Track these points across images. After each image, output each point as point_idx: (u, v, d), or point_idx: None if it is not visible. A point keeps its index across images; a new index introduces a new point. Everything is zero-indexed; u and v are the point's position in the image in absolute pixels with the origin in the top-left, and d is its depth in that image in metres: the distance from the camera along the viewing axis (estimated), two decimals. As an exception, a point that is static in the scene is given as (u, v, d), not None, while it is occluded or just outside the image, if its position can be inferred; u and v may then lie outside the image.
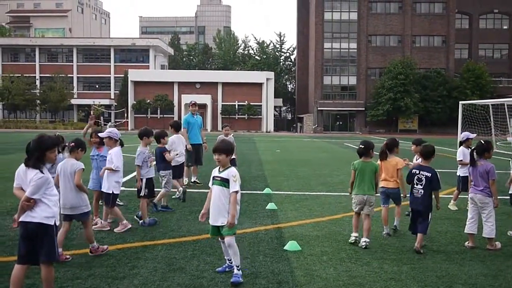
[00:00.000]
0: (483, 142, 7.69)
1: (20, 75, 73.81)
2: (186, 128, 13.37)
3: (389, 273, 6.24)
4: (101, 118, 72.10)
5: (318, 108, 73.13)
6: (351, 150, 30.63)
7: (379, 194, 8.40)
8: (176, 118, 70.52)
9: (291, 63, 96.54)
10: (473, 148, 7.88)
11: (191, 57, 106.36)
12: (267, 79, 73.72)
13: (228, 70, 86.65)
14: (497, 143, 28.69)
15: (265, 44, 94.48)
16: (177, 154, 10.88)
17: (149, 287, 5.61)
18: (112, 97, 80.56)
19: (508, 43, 78.70)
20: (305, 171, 18.01)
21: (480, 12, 78.07)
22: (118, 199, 10.54)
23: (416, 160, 9.40)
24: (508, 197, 9.45)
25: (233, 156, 13.47)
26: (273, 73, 77.79)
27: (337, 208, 10.63)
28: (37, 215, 4.89)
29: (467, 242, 7.63)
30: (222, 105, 72.84)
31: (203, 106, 66.12)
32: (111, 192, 8.07)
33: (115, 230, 8.13)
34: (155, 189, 9.22)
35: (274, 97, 76.13)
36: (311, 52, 79.17)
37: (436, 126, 69.31)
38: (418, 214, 7.48)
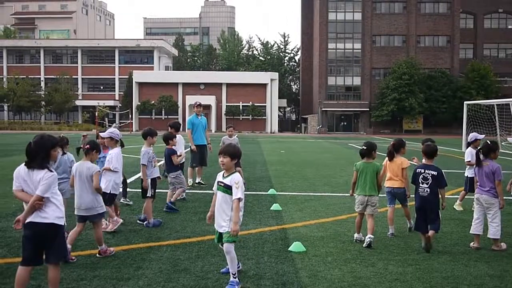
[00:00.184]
0: (489, 142, 7.66)
1: (25, 76, 74.20)
2: (190, 129, 13.38)
3: (394, 274, 6.23)
4: (106, 119, 72.40)
5: (323, 109, 73.07)
6: (356, 151, 30.58)
7: (383, 195, 8.44)
8: (180, 119, 70.69)
9: (295, 64, 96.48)
10: (479, 148, 7.86)
11: (195, 58, 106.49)
12: (271, 80, 73.72)
13: (232, 71, 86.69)
14: (502, 143, 28.59)
15: (269, 45, 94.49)
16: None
17: (154, 288, 5.61)
18: (117, 98, 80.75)
19: (513, 43, 78.47)
20: (309, 171, 17.99)
21: (485, 12, 77.84)
22: (127, 199, 10.59)
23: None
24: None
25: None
26: (277, 73, 77.80)
27: (342, 208, 10.62)
28: (49, 216, 4.90)
29: (473, 242, 7.60)
30: (226, 106, 72.89)
31: (207, 107, 66.17)
32: (108, 191, 8.08)
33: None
34: (158, 190, 9.22)
35: (279, 98, 76.11)
36: (315, 52, 79.13)
37: (441, 126, 69.13)
38: (425, 213, 7.50)
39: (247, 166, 18.15)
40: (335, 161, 23.09)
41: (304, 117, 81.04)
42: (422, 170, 7.62)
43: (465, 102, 34.38)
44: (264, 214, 9.84)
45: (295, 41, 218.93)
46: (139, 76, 74.34)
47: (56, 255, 4.98)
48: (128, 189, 10.87)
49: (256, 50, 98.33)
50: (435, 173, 7.50)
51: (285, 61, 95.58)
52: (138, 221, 8.91)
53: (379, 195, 7.93)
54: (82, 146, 7.12)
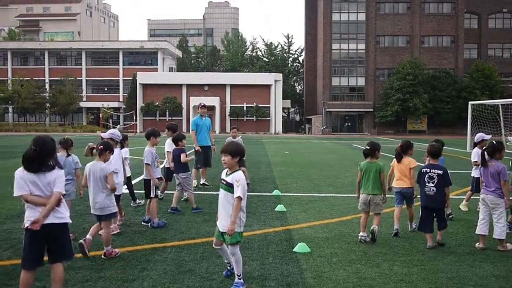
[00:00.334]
0: (494, 143, 7.65)
1: (29, 78, 74.39)
2: (195, 130, 13.40)
3: (399, 275, 6.22)
4: (110, 121, 72.55)
5: (327, 110, 73.02)
6: (360, 152, 30.54)
7: (392, 195, 8.62)
8: (184, 120, 70.84)
9: (299, 65, 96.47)
10: (484, 148, 7.85)
11: (199, 59, 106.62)
12: (275, 81, 73.73)
13: (236, 72, 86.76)
14: (507, 143, 28.48)
15: (273, 46, 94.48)
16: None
17: (159, 289, 5.62)
18: (121, 100, 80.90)
19: (517, 43, 78.25)
20: (314, 172, 17.98)
21: (489, 12, 77.64)
22: (138, 200, 10.62)
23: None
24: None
25: (243, 157, 13.49)
26: (281, 74, 77.77)
27: (347, 209, 10.60)
28: (64, 215, 5.00)
29: (478, 243, 7.58)
30: (230, 107, 72.93)
31: (211, 108, 66.21)
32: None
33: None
34: (164, 191, 9.22)
35: (283, 99, 76.09)
36: (319, 53, 79.09)
37: (445, 126, 68.97)
38: (431, 213, 7.63)
39: (251, 167, 18.15)
40: (340, 161, 23.07)
41: (308, 118, 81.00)
42: (428, 170, 7.74)
43: (469, 102, 34.28)
44: (269, 215, 9.84)
45: (299, 42, 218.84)
46: (143, 77, 74.48)
47: (65, 253, 5.06)
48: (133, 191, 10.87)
49: (260, 51, 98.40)
50: (440, 172, 7.63)
51: (289, 62, 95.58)
52: (142, 222, 8.92)
53: (388, 195, 8.00)
54: (95, 146, 7.19)
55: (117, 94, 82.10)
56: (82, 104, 78.15)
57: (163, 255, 6.95)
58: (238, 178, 5.57)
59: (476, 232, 7.64)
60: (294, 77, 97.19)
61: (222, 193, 5.75)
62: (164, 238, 7.94)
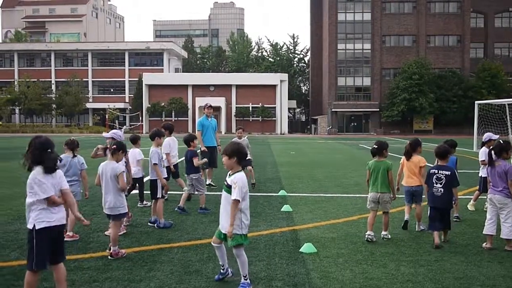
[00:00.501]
0: (501, 142, 7.63)
1: (36, 80, 74.68)
2: (200, 131, 13.42)
3: (406, 275, 6.20)
4: (116, 121, 72.73)
5: (332, 110, 72.92)
6: (366, 152, 30.48)
7: (402, 195, 8.77)
8: (190, 121, 70.94)
9: (304, 65, 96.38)
10: (491, 148, 7.82)
11: (205, 60, 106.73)
12: (281, 81, 73.68)
13: (242, 73, 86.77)
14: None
15: (279, 46, 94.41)
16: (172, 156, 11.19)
17: (166, 290, 5.63)
18: (127, 100, 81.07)
19: (524, 42, 77.84)
20: (320, 172, 17.96)
21: (496, 11, 77.31)
22: (145, 201, 10.64)
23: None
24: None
25: (249, 157, 13.52)
26: (286, 75, 77.72)
27: (353, 209, 10.59)
28: (64, 216, 5.09)
29: (485, 243, 7.55)
30: (236, 107, 72.94)
31: (217, 109, 66.24)
32: None
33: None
34: (171, 192, 9.23)
35: (288, 99, 76.05)
36: (324, 53, 79.01)
37: (452, 126, 68.69)
38: (439, 212, 7.71)
39: (257, 167, 18.14)
40: (346, 162, 23.03)
41: (314, 118, 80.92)
42: (436, 171, 7.84)
43: (476, 102, 34.15)
44: (275, 216, 9.83)
45: (305, 42, 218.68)
46: (149, 78, 74.61)
47: (64, 254, 5.17)
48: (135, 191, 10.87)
49: (266, 51, 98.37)
50: (448, 173, 7.73)
51: (295, 62, 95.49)
52: (149, 223, 8.94)
53: (397, 195, 8.13)
54: (108, 146, 7.28)
55: (123, 95, 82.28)
56: (88, 105, 78.37)
57: (169, 256, 6.96)
58: (236, 180, 5.54)
59: (484, 232, 7.61)
60: (300, 77, 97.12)
61: (224, 194, 5.75)
62: (171, 238, 7.95)
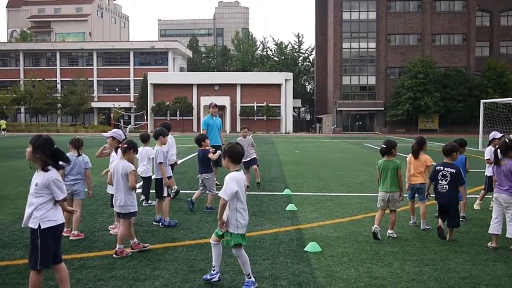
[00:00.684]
0: (507, 141, 7.59)
1: (41, 79, 74.95)
2: (205, 130, 13.42)
3: (410, 274, 6.19)
4: (121, 121, 72.89)
5: (337, 109, 72.84)
6: (371, 151, 30.45)
7: (408, 191, 8.92)
8: (195, 120, 71.03)
9: (309, 64, 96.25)
10: (497, 147, 7.80)
11: (210, 59, 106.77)
12: (286, 80, 73.66)
13: (246, 72, 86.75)
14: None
15: (284, 45, 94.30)
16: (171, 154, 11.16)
17: (170, 289, 5.63)
18: (132, 100, 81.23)
19: (530, 40, 77.47)
20: (324, 172, 17.95)
21: (501, 9, 77.00)
22: (150, 200, 10.66)
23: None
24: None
25: (254, 156, 13.54)
26: (291, 74, 77.69)
27: (358, 209, 10.57)
28: (62, 216, 5.10)
29: (491, 242, 7.52)
30: (241, 106, 72.95)
31: (222, 108, 66.29)
32: None
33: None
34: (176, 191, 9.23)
35: (293, 98, 76.03)
36: (329, 52, 78.92)
37: (457, 125, 68.55)
38: (445, 208, 7.85)
39: (262, 166, 18.13)
40: (350, 161, 23.00)
41: (318, 117, 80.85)
42: (442, 168, 7.95)
43: (481, 101, 34.06)
44: (280, 215, 9.83)
45: (309, 41, 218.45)
46: (154, 77, 74.72)
47: (61, 252, 5.17)
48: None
49: (270, 50, 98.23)
50: (453, 170, 7.80)
51: (300, 61, 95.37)
52: (154, 222, 8.95)
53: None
54: (120, 145, 7.34)
55: (128, 94, 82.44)
56: (94, 104, 78.56)
57: (174, 255, 6.97)
58: (226, 178, 5.58)
59: (489, 231, 7.58)
60: (305, 76, 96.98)
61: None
62: (175, 237, 7.96)
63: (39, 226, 4.86)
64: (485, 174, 10.67)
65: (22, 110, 77.80)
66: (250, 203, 10.97)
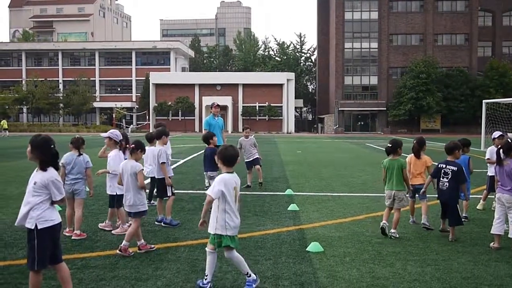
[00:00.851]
0: (510, 141, 7.58)
1: (43, 79, 75.02)
2: (207, 130, 13.41)
3: (413, 274, 6.18)
4: (123, 121, 72.94)
5: (339, 109, 72.81)
6: (373, 151, 30.44)
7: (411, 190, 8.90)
8: (197, 120, 71.04)
9: (311, 64, 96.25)
10: (499, 147, 7.79)
11: (212, 59, 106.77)
12: (288, 80, 73.68)
13: (248, 72, 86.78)
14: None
15: (285, 45, 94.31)
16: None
17: (173, 289, 5.64)
18: (134, 99, 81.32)
19: (532, 40, 77.34)
20: (326, 172, 17.94)
21: (504, 9, 76.89)
22: (152, 200, 10.68)
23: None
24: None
25: (256, 156, 13.55)
26: (293, 74, 77.69)
27: (360, 209, 10.57)
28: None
29: (493, 243, 7.51)
30: (242, 106, 72.99)
31: (224, 108, 66.22)
32: (114, 193, 8.20)
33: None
34: (177, 191, 9.24)
35: (295, 98, 76.05)
36: (331, 52, 78.89)
37: (459, 125, 68.48)
38: (445, 206, 7.97)
39: (264, 166, 18.11)
40: (352, 161, 22.98)
41: (320, 117, 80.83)
42: (444, 165, 8.06)
43: (483, 101, 34.02)
44: (282, 215, 9.83)
45: (311, 41, 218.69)
46: (155, 77, 74.79)
47: (61, 252, 5.12)
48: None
49: (272, 50, 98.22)
50: (455, 168, 7.90)
51: (301, 61, 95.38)
52: (156, 222, 8.96)
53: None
54: (128, 146, 7.46)
55: (130, 94, 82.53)
56: (96, 104, 78.63)
57: (176, 255, 6.97)
58: (215, 179, 5.64)
59: (492, 232, 7.57)
60: (307, 76, 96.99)
61: None
62: (177, 237, 7.96)
63: (36, 226, 4.82)
64: (487, 174, 10.66)
65: (24, 110, 77.90)
66: (252, 203, 10.98)
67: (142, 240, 7.15)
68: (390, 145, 8.23)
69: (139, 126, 74.48)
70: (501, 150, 7.56)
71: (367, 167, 19.76)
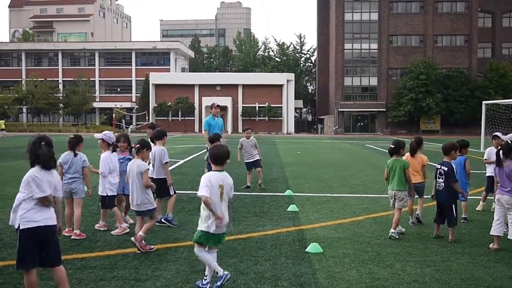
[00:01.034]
0: (509, 142, 7.58)
1: (43, 79, 74.98)
2: (207, 130, 13.41)
3: (412, 276, 6.18)
4: (123, 121, 72.91)
5: (339, 109, 72.81)
6: (373, 152, 30.44)
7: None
8: (197, 120, 71.04)
9: (311, 65, 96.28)
10: (499, 148, 7.79)
11: (212, 60, 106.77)
12: (288, 81, 73.69)
13: (248, 72, 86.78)
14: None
15: (285, 46, 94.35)
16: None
17: (172, 289, 5.63)
18: (134, 100, 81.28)
19: (532, 42, 77.37)
20: (326, 172, 17.94)
21: (503, 11, 76.95)
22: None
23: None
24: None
25: (257, 157, 13.55)
26: (293, 74, 77.72)
27: (359, 209, 10.57)
28: (53, 216, 4.92)
29: (492, 244, 7.51)
30: (242, 107, 73.00)
31: (223, 108, 66.20)
32: (105, 194, 8.22)
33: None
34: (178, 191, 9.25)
35: (295, 99, 76.04)
36: (331, 53, 78.91)
37: (459, 126, 68.46)
38: (442, 206, 8.03)
39: (263, 167, 18.11)
40: (352, 162, 22.98)
41: (320, 117, 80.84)
42: (439, 166, 8.19)
43: (483, 102, 34.02)
44: (281, 215, 9.83)
45: (311, 42, 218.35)
46: (155, 78, 74.80)
47: (59, 257, 4.98)
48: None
49: (272, 51, 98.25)
50: (446, 168, 8.02)
51: (301, 61, 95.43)
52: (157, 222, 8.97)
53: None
54: (133, 145, 7.54)
55: (130, 95, 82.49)
56: (95, 105, 78.58)
57: (175, 255, 6.97)
58: (202, 177, 5.70)
59: (491, 233, 7.58)
60: (306, 77, 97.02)
61: None
62: (177, 238, 7.96)
63: (19, 226, 4.80)
64: (486, 175, 10.67)
65: (24, 110, 77.86)
66: (252, 204, 10.98)
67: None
68: (393, 146, 8.35)
69: (138, 126, 74.45)
70: (501, 152, 7.55)
71: (367, 168, 19.76)
